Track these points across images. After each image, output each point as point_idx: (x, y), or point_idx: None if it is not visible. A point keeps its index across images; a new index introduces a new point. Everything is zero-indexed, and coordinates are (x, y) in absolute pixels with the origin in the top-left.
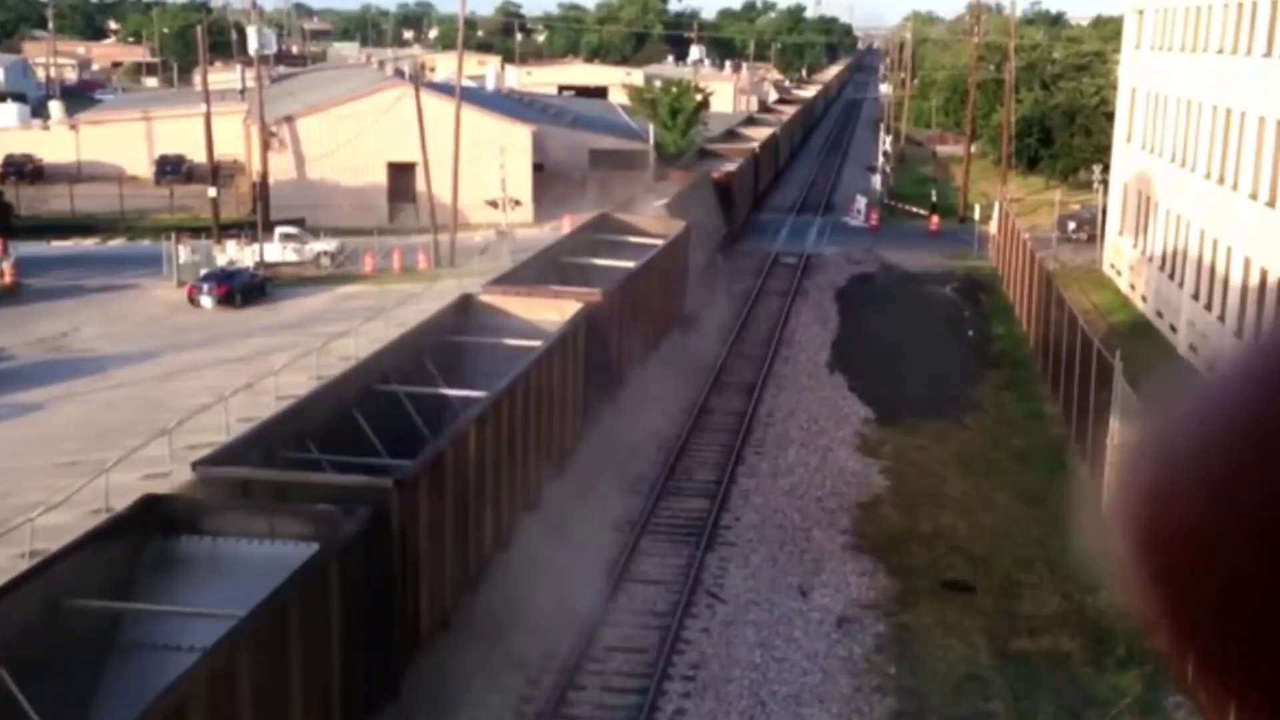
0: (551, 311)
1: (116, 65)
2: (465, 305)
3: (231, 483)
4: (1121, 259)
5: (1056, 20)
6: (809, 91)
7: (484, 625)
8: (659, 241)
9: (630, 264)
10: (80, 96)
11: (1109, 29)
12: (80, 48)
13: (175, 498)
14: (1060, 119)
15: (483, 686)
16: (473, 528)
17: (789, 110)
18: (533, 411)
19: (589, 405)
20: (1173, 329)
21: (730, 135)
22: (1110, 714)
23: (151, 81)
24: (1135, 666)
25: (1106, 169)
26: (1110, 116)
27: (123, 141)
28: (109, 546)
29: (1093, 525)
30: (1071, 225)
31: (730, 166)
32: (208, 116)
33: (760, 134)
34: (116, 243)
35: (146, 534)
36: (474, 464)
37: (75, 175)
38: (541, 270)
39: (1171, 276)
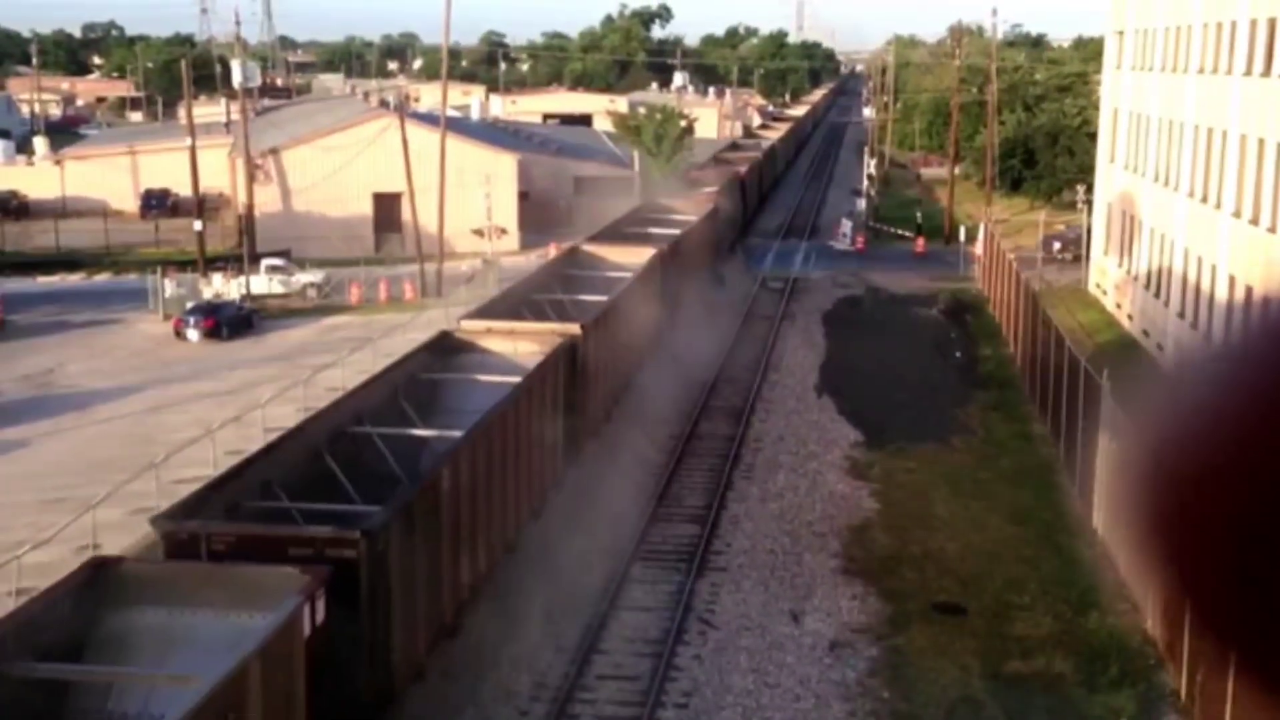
0: (532, 344)
1: (101, 100)
2: (441, 342)
3: (191, 538)
4: (1107, 278)
5: (1038, 42)
6: (787, 120)
7: (462, 670)
8: (628, 274)
9: (603, 297)
10: (65, 132)
11: (1090, 50)
12: (64, 83)
13: (126, 563)
14: (1043, 140)
15: (473, 717)
16: (448, 572)
17: (772, 135)
18: (510, 449)
19: (570, 440)
20: (1159, 347)
21: (716, 161)
22: None
23: (136, 116)
24: (1129, 686)
25: (1090, 189)
26: (1093, 137)
27: (107, 176)
28: (58, 611)
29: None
30: (1056, 245)
31: (714, 189)
32: (193, 150)
33: (745, 158)
34: (102, 278)
35: (97, 600)
36: (447, 507)
37: (60, 211)
38: (514, 306)
39: (1157, 295)
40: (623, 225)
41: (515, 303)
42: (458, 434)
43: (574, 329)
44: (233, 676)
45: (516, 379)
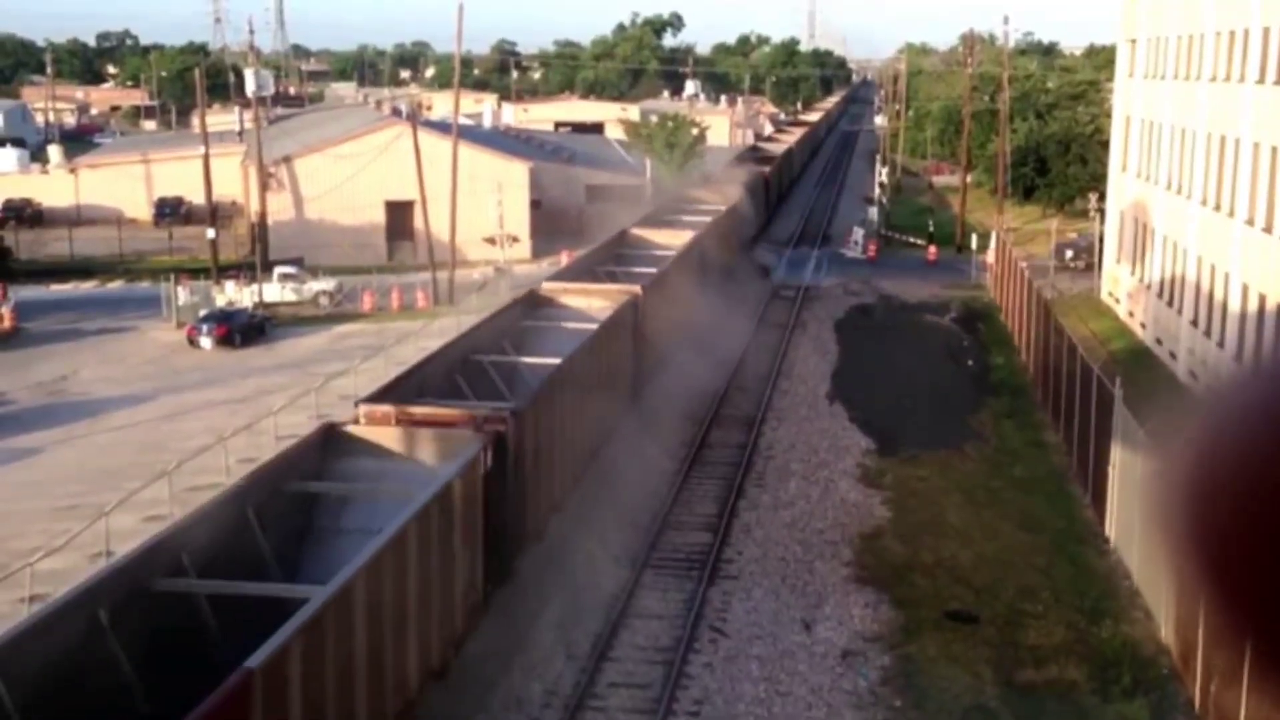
0: (604, 300)
1: (115, 109)
2: (530, 299)
3: (385, 415)
4: (1119, 287)
5: (1049, 50)
6: (801, 125)
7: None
8: (672, 252)
9: (653, 269)
10: (79, 140)
11: (1101, 58)
12: (79, 92)
13: (349, 426)
14: (1055, 148)
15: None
16: (559, 456)
17: (788, 139)
18: (593, 376)
19: (635, 376)
20: (1172, 356)
21: (739, 161)
22: None
23: (150, 124)
24: (1142, 695)
25: (1102, 197)
26: (1105, 145)
27: (121, 184)
28: (306, 456)
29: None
30: (1069, 253)
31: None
32: (206, 158)
33: (767, 157)
34: (115, 285)
35: (330, 451)
36: (556, 411)
37: (74, 219)
38: (579, 274)
39: (1170, 303)
40: (661, 213)
41: (580, 272)
42: (557, 361)
43: (636, 289)
44: (440, 492)
45: (594, 326)
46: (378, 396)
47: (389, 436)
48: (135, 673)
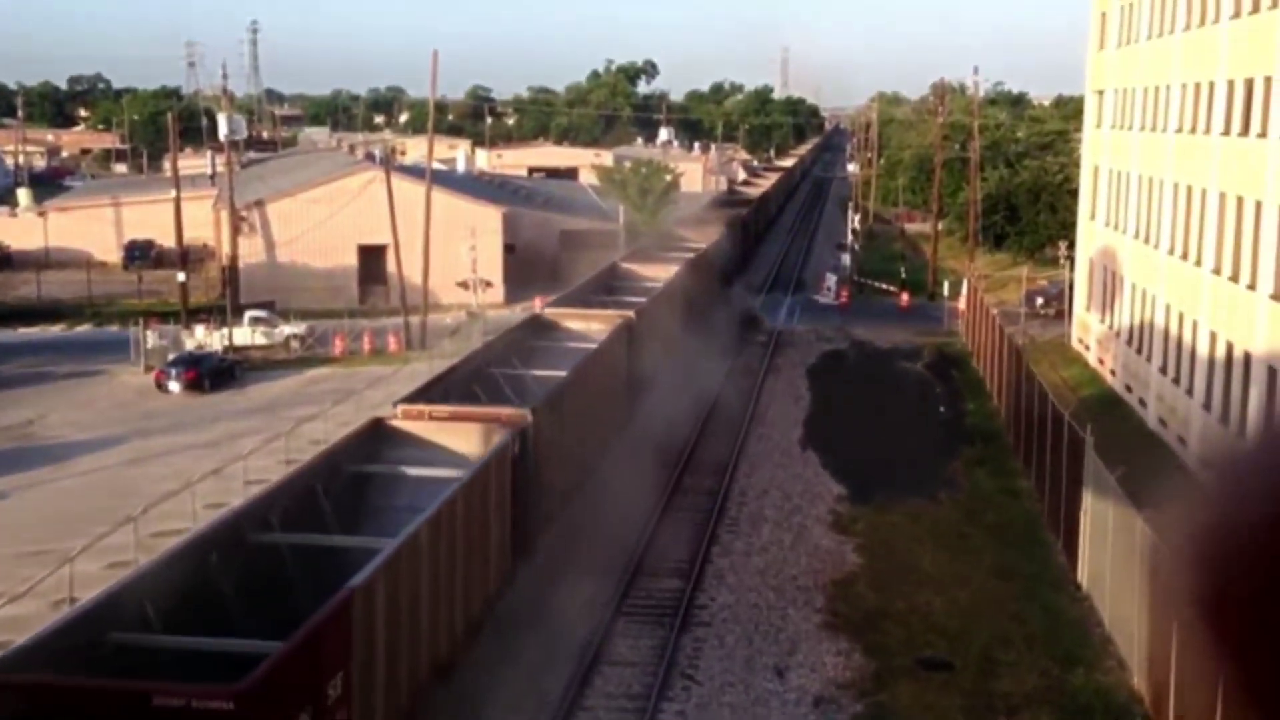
0: (600, 324)
1: (86, 152)
2: (532, 323)
3: (419, 412)
4: (1089, 334)
5: (1019, 100)
6: (775, 170)
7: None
8: (659, 284)
9: (642, 299)
10: (49, 184)
11: (1070, 108)
12: (49, 135)
13: (394, 419)
14: (1025, 197)
15: None
16: (571, 451)
17: (763, 184)
18: (594, 387)
19: (631, 390)
20: (1142, 403)
21: (716, 204)
22: None
23: (121, 168)
24: None
25: (1072, 245)
26: (1074, 194)
27: (91, 227)
28: (359, 443)
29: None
30: (1039, 300)
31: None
32: (177, 201)
33: (743, 201)
34: (84, 329)
35: (378, 441)
36: (568, 411)
37: (43, 262)
38: (575, 302)
39: (1139, 351)
40: (648, 249)
41: (574, 300)
42: (562, 373)
43: (629, 313)
44: (481, 470)
45: (593, 345)
46: (412, 398)
47: (428, 429)
48: (238, 602)
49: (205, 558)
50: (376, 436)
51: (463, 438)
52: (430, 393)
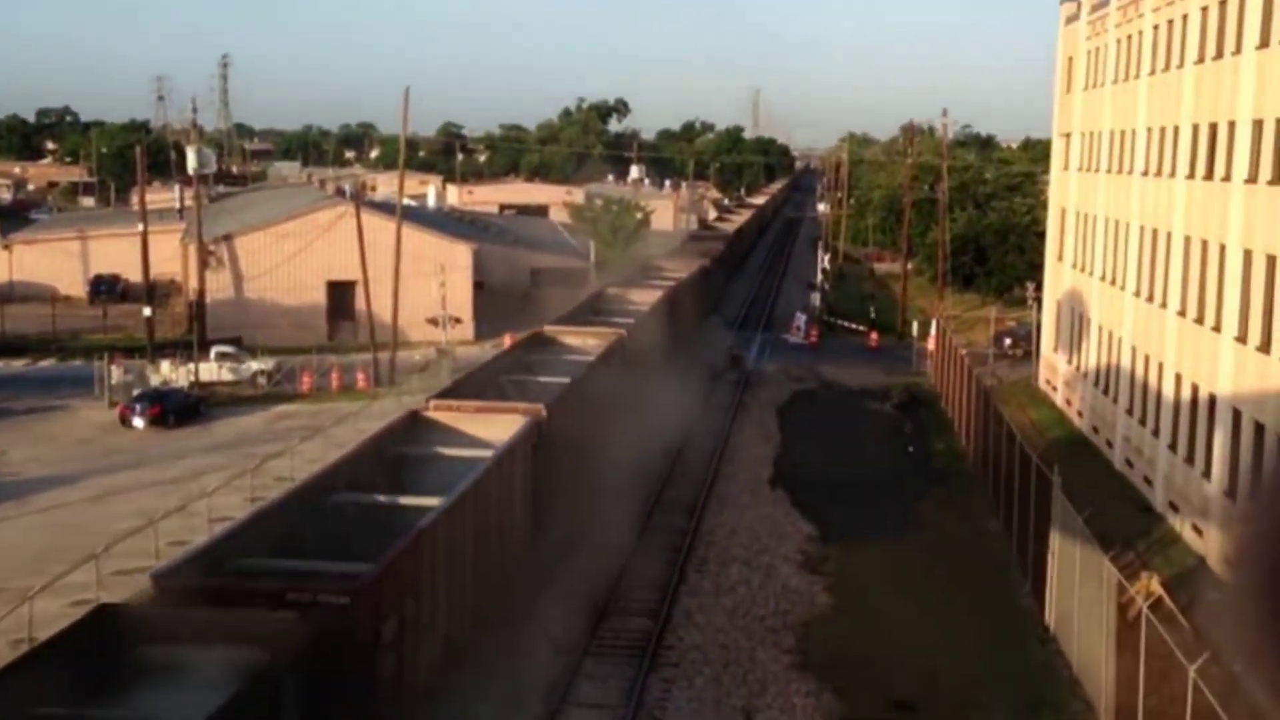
0: (599, 340)
1: (53, 185)
2: (535, 339)
3: (448, 407)
4: (1057, 375)
5: (987, 143)
6: (748, 208)
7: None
8: (646, 306)
9: (631, 320)
10: (14, 217)
11: (1038, 151)
12: (16, 167)
13: (411, 444)
14: (993, 238)
15: None
16: (584, 443)
17: (734, 223)
18: (605, 392)
19: (628, 399)
20: (1109, 444)
21: (692, 239)
22: None
23: (88, 201)
24: None
25: (1039, 286)
26: (1041, 235)
27: (56, 261)
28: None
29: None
30: (1007, 341)
31: (672, 284)
32: (144, 235)
33: (718, 237)
34: (47, 363)
35: (406, 439)
36: (581, 408)
37: (7, 296)
38: (572, 320)
39: (1106, 392)
40: (632, 277)
41: (567, 321)
42: (566, 380)
43: (622, 331)
44: (508, 449)
45: (590, 358)
46: (441, 396)
47: (458, 419)
48: (316, 545)
49: (295, 511)
50: (415, 424)
51: (487, 427)
52: (455, 392)
